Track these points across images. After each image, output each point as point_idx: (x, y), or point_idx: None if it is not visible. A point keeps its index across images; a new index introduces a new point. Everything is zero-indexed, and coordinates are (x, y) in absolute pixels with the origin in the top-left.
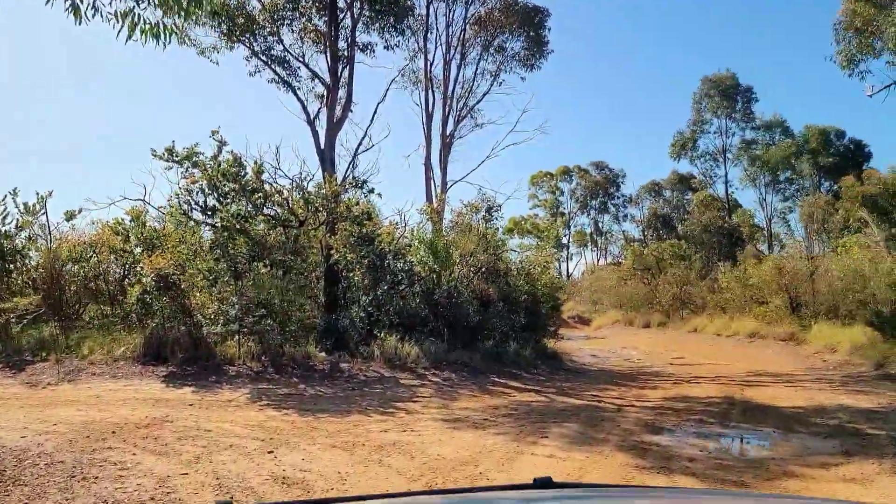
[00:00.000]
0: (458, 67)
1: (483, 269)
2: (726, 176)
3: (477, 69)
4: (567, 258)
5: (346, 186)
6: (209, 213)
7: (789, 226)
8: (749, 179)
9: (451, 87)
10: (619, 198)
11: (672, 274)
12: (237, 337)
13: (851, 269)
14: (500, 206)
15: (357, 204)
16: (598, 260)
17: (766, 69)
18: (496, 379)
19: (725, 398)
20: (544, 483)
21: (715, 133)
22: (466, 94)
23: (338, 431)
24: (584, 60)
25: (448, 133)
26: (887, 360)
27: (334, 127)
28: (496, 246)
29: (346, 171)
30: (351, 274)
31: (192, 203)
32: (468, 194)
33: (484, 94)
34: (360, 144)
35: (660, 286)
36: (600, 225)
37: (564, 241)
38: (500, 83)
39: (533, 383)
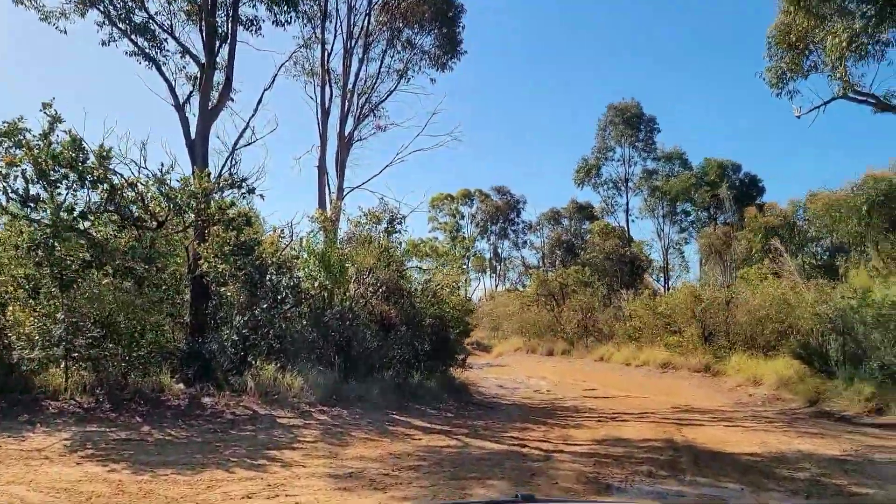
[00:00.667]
0: (361, 61)
1: (384, 288)
2: (627, 205)
3: (381, 64)
4: (466, 283)
5: (221, 184)
6: (32, 204)
7: (683, 256)
8: (648, 210)
9: (351, 82)
10: (519, 224)
11: (577, 300)
12: (64, 364)
13: (775, 297)
14: (404, 217)
15: (233, 205)
16: (497, 286)
17: (668, 102)
18: (397, 416)
19: (666, 442)
20: (527, 499)
21: (618, 161)
22: (369, 91)
23: (182, 498)
24: (489, 79)
25: (347, 133)
26: (821, 397)
27: (209, 115)
28: (399, 262)
29: (223, 169)
30: (223, 289)
31: (10, 191)
32: (369, 203)
33: (389, 93)
34: (240, 137)
35: (564, 313)
36: (499, 251)
37: (464, 265)
38: (409, 80)
39: (440, 422)
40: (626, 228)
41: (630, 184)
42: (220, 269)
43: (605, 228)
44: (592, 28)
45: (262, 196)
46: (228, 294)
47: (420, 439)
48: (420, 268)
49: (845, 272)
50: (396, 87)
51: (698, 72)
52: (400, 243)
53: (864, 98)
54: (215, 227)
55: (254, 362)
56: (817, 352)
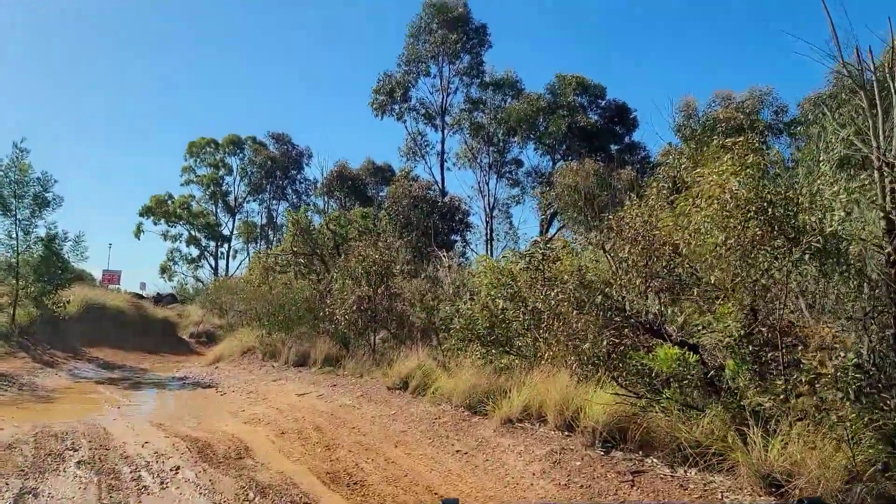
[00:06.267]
0: None
1: None
2: (443, 144)
3: None
4: (228, 254)
5: None
6: None
7: (511, 223)
8: (469, 156)
9: None
10: (302, 182)
11: (359, 256)
12: None
13: None
14: None
15: None
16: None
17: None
18: None
19: None
20: None
21: (433, 85)
22: None
23: None
24: None
25: None
26: None
27: None
28: None
29: None
30: None
31: None
32: None
33: None
34: None
35: (336, 283)
36: (275, 215)
37: (226, 232)
38: None
39: None
40: (440, 179)
41: (448, 118)
42: None
43: (407, 175)
44: None
45: None
46: None
47: None
48: None
49: None
50: None
51: None
52: None
53: None
54: None
55: None
56: None
